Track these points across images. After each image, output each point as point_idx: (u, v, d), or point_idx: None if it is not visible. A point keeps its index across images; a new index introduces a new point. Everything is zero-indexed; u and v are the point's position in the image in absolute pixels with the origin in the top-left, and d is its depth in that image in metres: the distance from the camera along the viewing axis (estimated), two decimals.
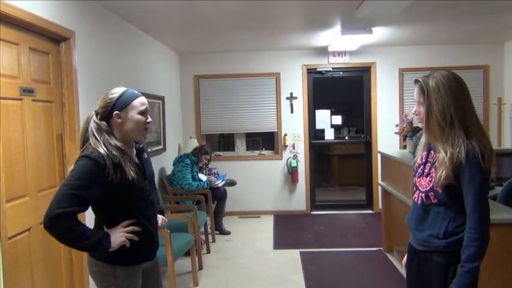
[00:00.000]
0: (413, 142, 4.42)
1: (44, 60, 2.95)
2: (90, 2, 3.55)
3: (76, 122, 3.19)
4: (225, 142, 7.29)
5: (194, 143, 6.14)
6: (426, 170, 1.88)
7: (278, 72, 6.64)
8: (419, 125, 1.91)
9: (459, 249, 1.76)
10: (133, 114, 1.95)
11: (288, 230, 5.85)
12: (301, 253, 4.81)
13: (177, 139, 6.48)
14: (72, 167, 1.85)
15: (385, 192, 4.64)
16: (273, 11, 4.23)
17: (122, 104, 1.94)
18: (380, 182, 4.84)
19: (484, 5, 4.22)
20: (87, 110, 3.34)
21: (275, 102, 6.67)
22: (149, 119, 2.01)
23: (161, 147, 5.46)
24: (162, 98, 5.49)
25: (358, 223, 6.14)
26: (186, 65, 6.71)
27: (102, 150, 1.83)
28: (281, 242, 5.30)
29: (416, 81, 1.88)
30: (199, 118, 6.77)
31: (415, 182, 1.95)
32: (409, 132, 4.37)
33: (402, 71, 6.55)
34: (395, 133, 4.82)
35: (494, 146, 6.28)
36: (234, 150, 6.99)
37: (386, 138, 6.43)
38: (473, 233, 1.70)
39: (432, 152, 1.87)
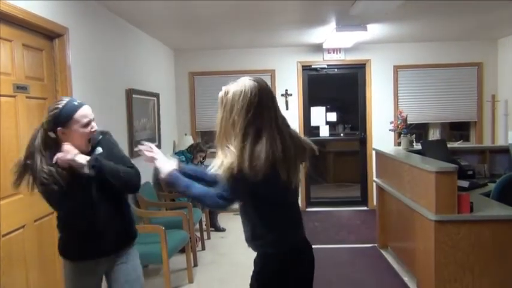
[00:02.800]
0: (407, 139, 4.45)
1: (37, 57, 2.94)
2: None
3: None
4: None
5: (189, 140, 6.13)
6: None
7: (273, 69, 6.64)
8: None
9: (267, 252, 1.82)
10: (77, 128, 1.99)
11: None
12: None
13: (172, 136, 6.47)
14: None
15: (380, 189, 4.66)
16: (268, 8, 4.22)
17: (64, 119, 1.96)
18: (375, 178, 4.85)
19: (478, 2, 4.24)
20: None
21: None
22: (94, 128, 2.04)
23: (156, 144, 5.44)
24: (157, 95, 5.47)
25: (353, 220, 6.16)
26: (181, 62, 6.69)
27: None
28: None
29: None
30: (194, 115, 6.76)
31: None
32: (403, 129, 4.39)
33: (397, 68, 6.56)
34: (389, 130, 4.83)
35: (488, 143, 6.35)
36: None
37: (381, 135, 6.44)
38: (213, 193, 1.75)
39: None
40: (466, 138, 6.79)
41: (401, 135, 4.46)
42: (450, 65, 6.51)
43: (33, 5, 2.78)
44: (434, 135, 6.75)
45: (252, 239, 1.86)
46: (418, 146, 4.42)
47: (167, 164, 1.92)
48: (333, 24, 5.03)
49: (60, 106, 1.97)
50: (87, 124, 2.01)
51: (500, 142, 6.29)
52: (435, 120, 6.65)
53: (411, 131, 4.55)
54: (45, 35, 3.01)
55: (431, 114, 6.58)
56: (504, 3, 4.30)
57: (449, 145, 4.91)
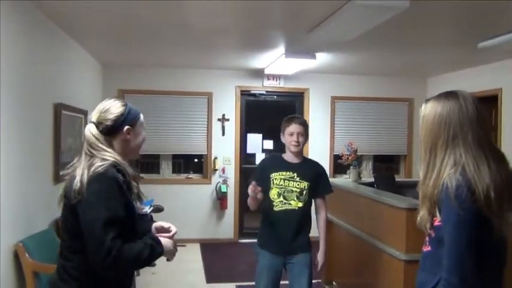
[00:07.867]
0: (356, 171, 4.35)
1: None
2: None
3: None
4: (148, 163, 6.70)
5: None
6: None
7: (211, 92, 6.34)
8: None
9: None
10: (141, 131, 1.81)
11: (219, 260, 5.46)
12: (238, 287, 4.45)
13: None
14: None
15: None
16: (213, 26, 3.89)
17: (132, 119, 1.75)
18: None
19: (412, 44, 4.41)
20: None
21: (206, 123, 6.34)
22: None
23: None
24: (84, 112, 4.86)
25: None
26: (109, 78, 6.09)
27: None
28: (214, 274, 4.88)
29: None
30: None
31: None
32: (353, 161, 4.29)
33: (334, 99, 6.61)
34: (339, 162, 4.72)
35: (417, 177, 6.55)
36: (158, 172, 6.47)
37: None
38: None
39: None
40: (396, 171, 6.95)
41: (351, 167, 4.36)
42: (384, 99, 6.71)
43: None
44: (367, 167, 6.84)
45: None
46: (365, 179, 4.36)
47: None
48: (281, 50, 4.87)
49: (125, 104, 1.74)
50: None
51: None
52: (369, 152, 6.74)
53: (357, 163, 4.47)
54: None
55: (365, 147, 6.66)
56: (433, 47, 4.50)
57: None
